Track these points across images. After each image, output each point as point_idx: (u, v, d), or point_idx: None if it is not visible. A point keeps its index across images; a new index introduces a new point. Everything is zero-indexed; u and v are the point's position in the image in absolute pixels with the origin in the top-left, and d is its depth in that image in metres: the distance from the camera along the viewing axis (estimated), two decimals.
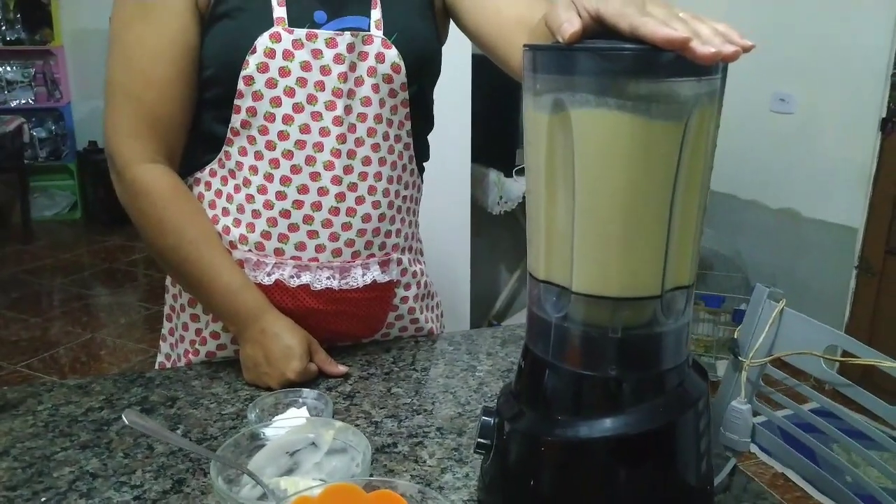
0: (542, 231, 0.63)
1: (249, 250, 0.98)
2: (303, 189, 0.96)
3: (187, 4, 0.92)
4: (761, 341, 0.85)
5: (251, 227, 0.98)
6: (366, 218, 0.99)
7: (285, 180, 0.95)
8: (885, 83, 2.67)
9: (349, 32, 0.94)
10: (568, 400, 0.64)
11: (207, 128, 0.99)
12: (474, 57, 2.37)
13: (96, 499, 0.72)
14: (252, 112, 0.94)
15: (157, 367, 1.13)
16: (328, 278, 0.99)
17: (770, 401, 0.87)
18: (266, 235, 0.97)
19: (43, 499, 0.72)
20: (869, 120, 2.73)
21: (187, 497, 0.73)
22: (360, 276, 1.01)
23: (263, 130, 0.95)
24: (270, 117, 0.94)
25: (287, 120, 0.94)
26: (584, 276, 0.60)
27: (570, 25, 0.56)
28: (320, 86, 0.94)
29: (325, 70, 0.93)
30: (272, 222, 0.97)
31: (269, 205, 0.96)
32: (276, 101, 0.93)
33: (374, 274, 1.02)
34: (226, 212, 0.99)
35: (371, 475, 0.68)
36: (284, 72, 0.92)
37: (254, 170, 0.96)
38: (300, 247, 0.97)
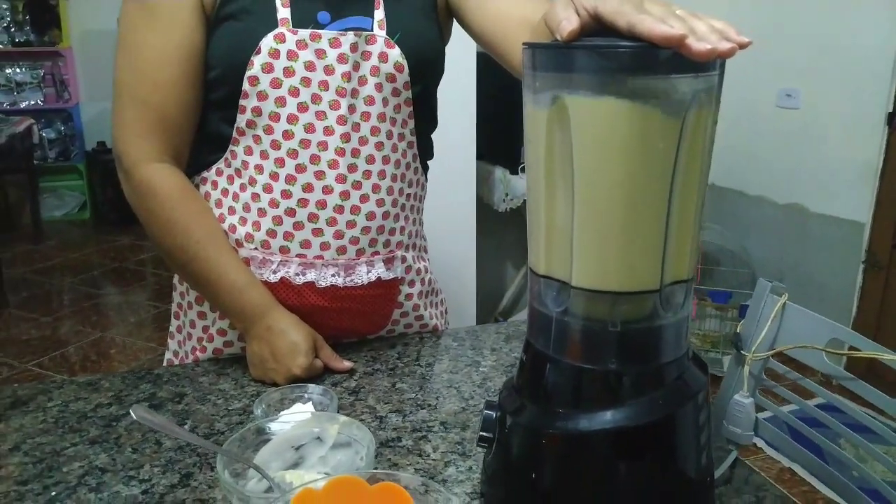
0: (542, 226, 0.64)
1: (255, 248, 0.99)
2: (308, 187, 0.97)
3: (193, 7, 0.94)
4: (763, 335, 0.86)
5: (257, 225, 0.99)
6: (370, 216, 1.00)
7: (290, 179, 0.96)
8: (892, 78, 2.66)
9: (352, 32, 0.94)
10: (569, 393, 0.64)
11: (214, 128, 1.00)
12: (479, 55, 2.38)
13: (105, 493, 0.73)
14: (257, 112, 0.95)
15: (165, 364, 1.15)
16: (333, 276, 1.00)
17: (776, 396, 0.88)
18: (271, 233, 0.98)
19: (53, 493, 0.73)
20: (876, 115, 2.72)
21: (194, 490, 0.74)
22: (365, 274, 1.02)
23: (268, 130, 0.96)
24: (275, 117, 0.95)
25: (292, 119, 0.95)
26: (583, 271, 0.61)
27: (568, 23, 0.57)
28: (324, 85, 0.95)
29: (328, 70, 0.94)
30: (277, 220, 0.98)
31: (274, 203, 0.97)
32: (281, 101, 0.94)
33: (379, 271, 1.03)
34: (232, 210, 1.00)
35: (375, 469, 0.69)
36: (289, 72, 0.93)
37: (259, 169, 0.97)
38: (305, 244, 0.98)
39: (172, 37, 0.94)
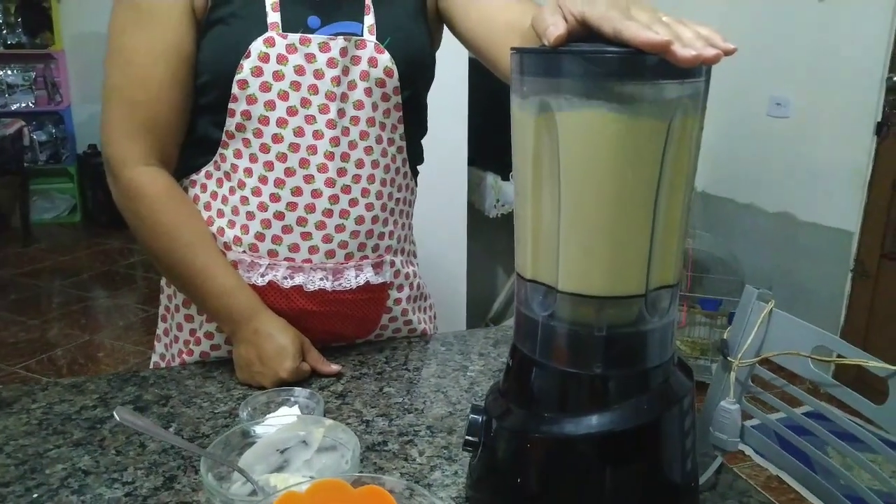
0: (529, 231, 0.64)
1: (243, 252, 0.99)
2: (297, 191, 0.97)
3: (184, 11, 0.94)
4: (750, 342, 0.86)
5: (245, 228, 0.98)
6: (359, 220, 1.00)
7: (279, 182, 0.96)
8: (881, 87, 2.68)
9: (342, 37, 0.95)
10: (554, 397, 0.65)
11: (203, 131, 1.00)
12: (471, 61, 2.38)
13: (88, 495, 0.73)
14: (246, 115, 0.95)
15: (151, 366, 1.14)
16: (321, 279, 1.00)
17: (764, 404, 0.88)
18: (260, 237, 0.98)
19: (35, 495, 0.73)
20: (864, 124, 2.74)
21: (178, 494, 0.73)
22: (354, 278, 1.02)
23: (258, 133, 0.96)
24: (265, 120, 0.95)
25: (281, 123, 0.95)
26: (569, 276, 0.61)
27: (555, 29, 0.57)
28: (314, 89, 0.95)
29: (318, 74, 0.94)
30: (266, 224, 0.98)
31: (263, 207, 0.97)
32: (271, 105, 0.94)
33: (368, 275, 1.03)
34: (220, 213, 1.00)
35: (360, 472, 0.68)
36: (278, 76, 0.93)
37: (248, 172, 0.97)
38: (294, 248, 0.98)
39: (162, 39, 0.94)
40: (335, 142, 0.96)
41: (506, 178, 2.81)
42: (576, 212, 0.60)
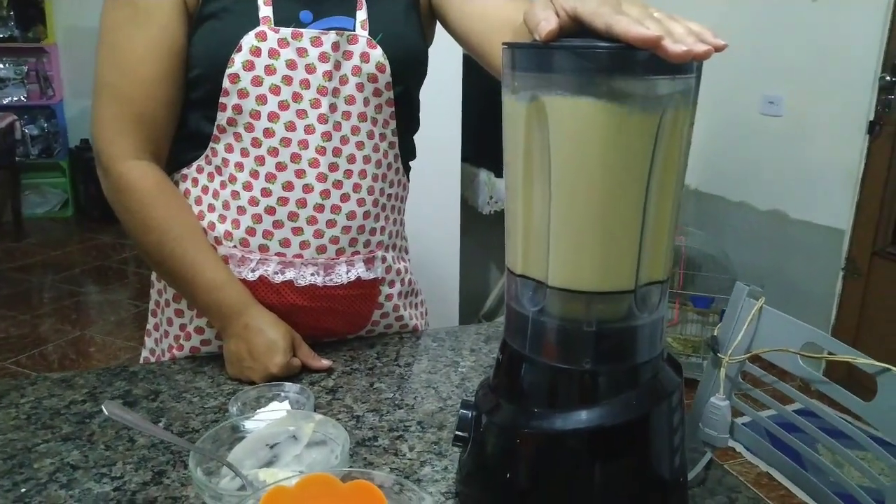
0: (520, 226, 0.64)
1: (234, 246, 0.99)
2: (288, 186, 0.96)
3: (176, 6, 0.93)
4: (740, 338, 0.86)
5: (236, 223, 0.98)
6: (350, 215, 1.00)
7: (270, 177, 0.96)
8: (873, 86, 2.69)
9: (334, 32, 0.94)
10: (544, 393, 0.65)
11: (194, 126, 0.99)
12: (465, 58, 2.38)
13: (76, 490, 0.73)
14: (238, 110, 0.95)
15: (141, 361, 1.14)
16: (312, 275, 0.99)
17: (755, 401, 0.88)
18: (251, 232, 0.98)
19: (23, 489, 0.72)
20: (856, 122, 2.75)
21: (167, 488, 0.73)
22: (345, 273, 1.02)
23: (249, 128, 0.95)
24: (256, 115, 0.95)
25: (272, 117, 0.95)
26: (559, 271, 0.61)
27: (547, 24, 0.57)
28: (305, 84, 0.94)
29: (310, 68, 0.94)
30: (257, 219, 0.97)
31: (254, 201, 0.97)
32: (262, 99, 0.94)
33: (359, 271, 1.03)
34: (211, 208, 1.00)
35: (350, 467, 0.68)
36: (270, 70, 0.93)
37: (239, 167, 0.97)
38: (284, 243, 0.98)
39: (154, 34, 0.93)
40: (327, 137, 0.96)
41: (499, 174, 2.81)
42: (566, 207, 0.60)
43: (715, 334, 0.90)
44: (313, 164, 0.96)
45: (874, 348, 2.34)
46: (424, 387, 0.97)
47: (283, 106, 0.94)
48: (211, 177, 1.00)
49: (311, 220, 0.98)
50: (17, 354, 3.14)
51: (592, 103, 0.56)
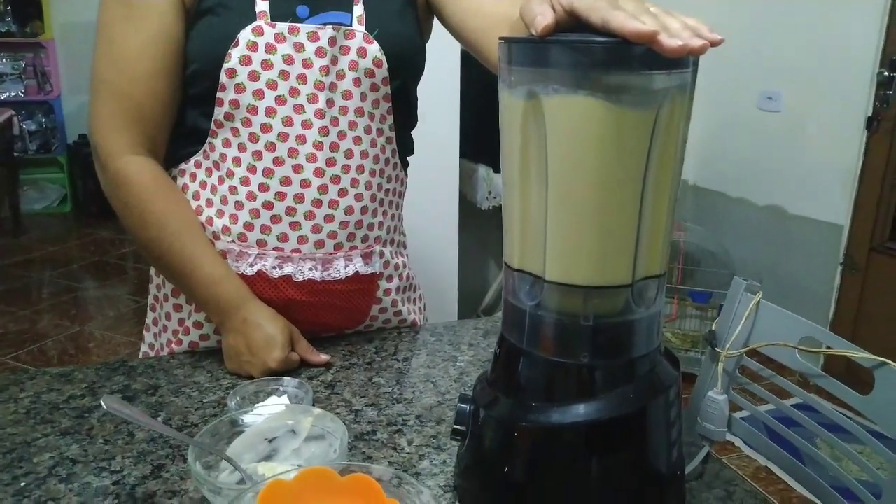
0: (517, 221, 0.64)
1: (232, 241, 0.99)
2: (285, 181, 0.96)
3: (172, 2, 0.93)
4: (738, 333, 0.87)
5: (234, 218, 0.98)
6: (348, 210, 1.00)
7: (268, 172, 0.96)
8: (871, 82, 2.69)
9: (331, 27, 0.94)
10: (541, 387, 0.65)
11: (192, 121, 0.99)
12: (463, 53, 2.38)
13: (75, 484, 0.73)
14: (235, 104, 0.95)
15: (140, 356, 1.14)
16: (310, 269, 1.00)
17: (754, 396, 0.89)
18: (249, 226, 0.98)
19: (22, 483, 0.73)
20: (855, 118, 2.75)
21: (166, 482, 0.73)
22: (343, 268, 1.02)
23: (246, 122, 0.95)
24: (253, 110, 0.95)
25: (270, 112, 0.95)
26: (556, 265, 0.62)
27: (543, 18, 0.57)
28: (302, 79, 0.94)
29: (306, 63, 0.94)
30: (255, 213, 0.97)
31: (252, 196, 0.97)
32: (259, 94, 0.94)
33: (357, 266, 1.03)
34: (209, 203, 1.00)
35: (349, 461, 0.68)
36: (267, 65, 0.93)
37: (237, 161, 0.97)
38: (282, 238, 0.98)
39: (151, 29, 0.93)
40: (324, 132, 0.96)
41: (497, 170, 2.81)
42: (563, 201, 0.60)
43: (713, 329, 0.90)
44: (311, 158, 0.96)
45: (872, 343, 2.34)
46: (423, 381, 0.97)
47: (281, 101, 0.94)
48: (209, 172, 1.00)
49: (309, 215, 0.98)
50: (16, 350, 3.14)
51: (589, 98, 0.56)
